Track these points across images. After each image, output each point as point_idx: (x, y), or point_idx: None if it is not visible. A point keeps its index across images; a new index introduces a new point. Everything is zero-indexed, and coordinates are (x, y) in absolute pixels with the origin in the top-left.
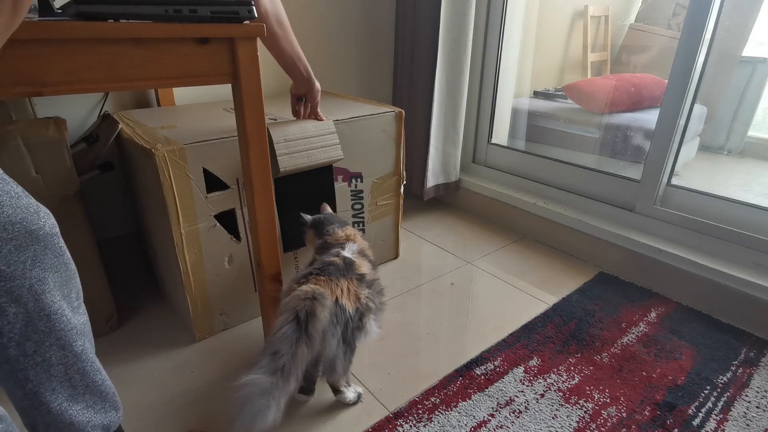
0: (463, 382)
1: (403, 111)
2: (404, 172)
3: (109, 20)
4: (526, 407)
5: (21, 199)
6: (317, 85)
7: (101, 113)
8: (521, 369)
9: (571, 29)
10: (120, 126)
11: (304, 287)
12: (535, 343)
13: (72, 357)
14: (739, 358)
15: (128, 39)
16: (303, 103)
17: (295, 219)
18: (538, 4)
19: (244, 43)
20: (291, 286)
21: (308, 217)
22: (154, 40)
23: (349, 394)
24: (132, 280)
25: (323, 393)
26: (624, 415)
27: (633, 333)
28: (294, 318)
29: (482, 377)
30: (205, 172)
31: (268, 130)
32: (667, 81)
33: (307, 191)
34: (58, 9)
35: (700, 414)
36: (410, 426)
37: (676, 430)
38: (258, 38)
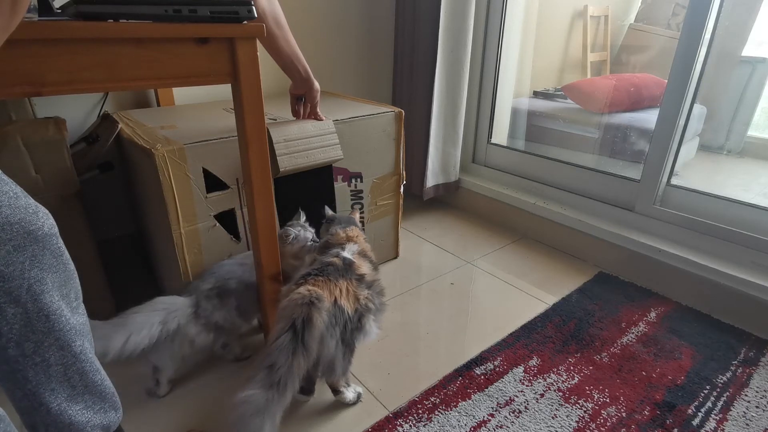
0: (463, 381)
1: (403, 111)
2: (404, 172)
3: (109, 20)
4: (525, 407)
5: (20, 200)
6: (316, 85)
7: (101, 113)
8: (521, 369)
9: (571, 29)
10: (120, 126)
11: (302, 290)
12: (535, 343)
13: (71, 357)
14: (739, 357)
15: (128, 39)
16: (302, 103)
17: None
18: (538, 4)
19: (244, 43)
20: (289, 287)
21: (329, 212)
22: (154, 40)
23: (349, 394)
24: (132, 280)
25: (323, 393)
26: (624, 414)
27: (633, 333)
28: (290, 327)
29: (482, 377)
30: (205, 172)
31: (267, 130)
32: (666, 81)
33: (307, 191)
34: (57, 9)
35: (699, 414)
36: (410, 426)
37: (675, 429)
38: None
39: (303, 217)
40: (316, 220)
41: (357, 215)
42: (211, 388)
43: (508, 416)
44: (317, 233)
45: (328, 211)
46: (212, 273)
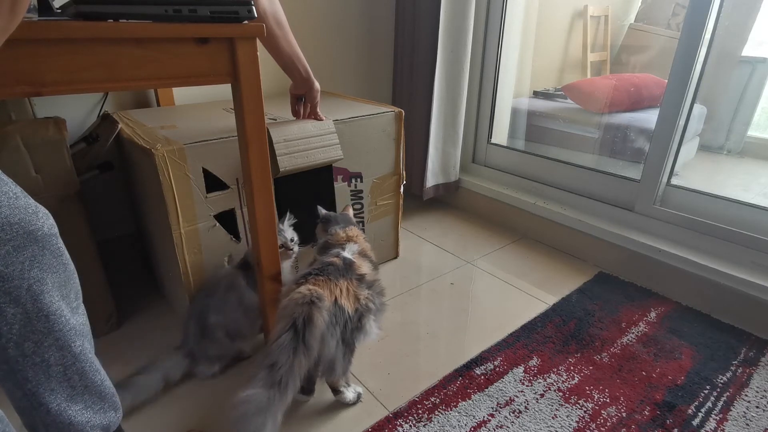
0: (463, 382)
1: (403, 111)
2: (404, 172)
3: (109, 20)
4: (525, 407)
5: (19, 200)
6: (317, 85)
7: (101, 113)
8: (521, 369)
9: (571, 29)
10: (120, 126)
11: (302, 289)
12: (535, 343)
13: (71, 357)
14: (739, 357)
15: (128, 39)
16: (302, 103)
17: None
18: (538, 4)
19: (244, 43)
20: (290, 287)
21: (323, 211)
22: (154, 40)
23: (349, 394)
24: (132, 280)
25: (323, 393)
26: (624, 414)
27: (633, 333)
28: (291, 326)
29: (482, 377)
30: (205, 172)
31: (267, 130)
32: (666, 81)
33: (307, 191)
34: (57, 9)
35: (699, 414)
36: (410, 426)
37: (675, 429)
38: (257, 38)
39: (291, 220)
40: (314, 221)
41: (350, 211)
42: (211, 388)
43: (508, 416)
44: (314, 236)
45: (321, 211)
46: (192, 312)
